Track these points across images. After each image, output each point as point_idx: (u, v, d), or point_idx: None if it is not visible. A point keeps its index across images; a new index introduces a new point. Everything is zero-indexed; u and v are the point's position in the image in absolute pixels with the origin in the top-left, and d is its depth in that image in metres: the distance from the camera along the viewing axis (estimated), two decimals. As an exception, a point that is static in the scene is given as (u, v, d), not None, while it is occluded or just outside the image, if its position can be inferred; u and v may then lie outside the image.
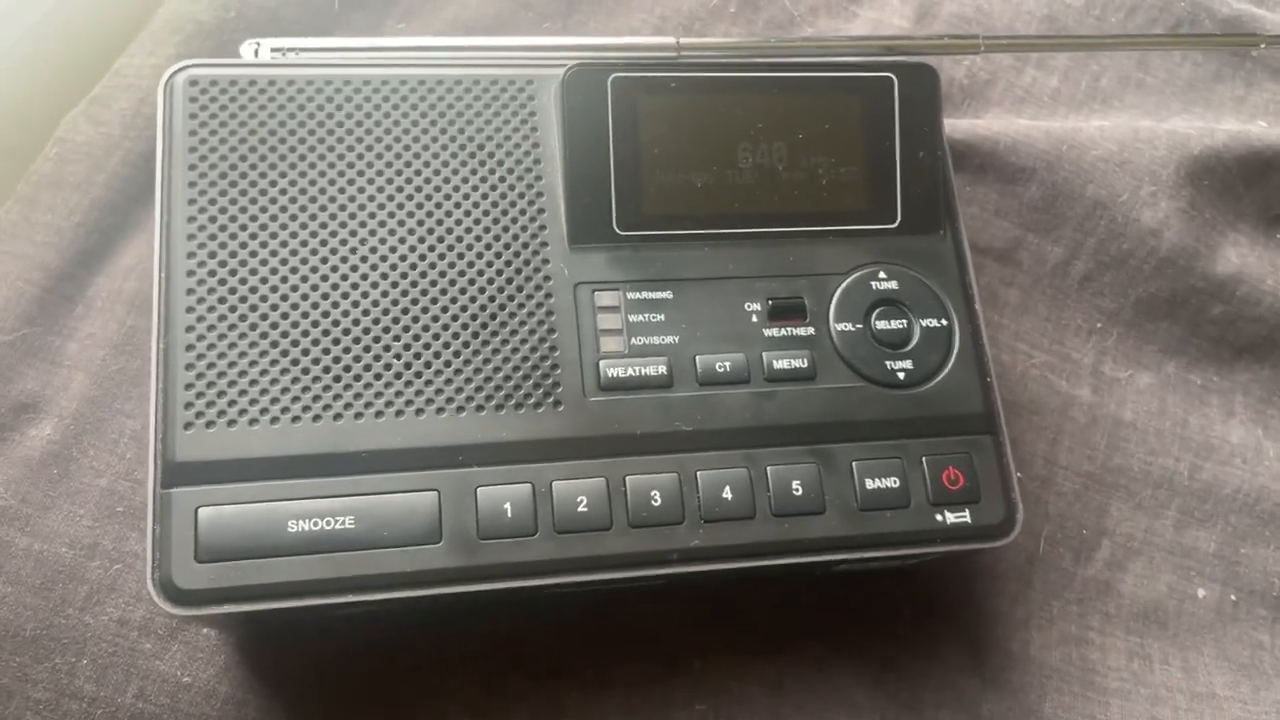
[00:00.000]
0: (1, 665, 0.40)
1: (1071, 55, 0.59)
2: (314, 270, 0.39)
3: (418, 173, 0.41)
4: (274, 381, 0.38)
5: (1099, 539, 0.50)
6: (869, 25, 0.58)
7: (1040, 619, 0.48)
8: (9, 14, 0.53)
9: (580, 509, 0.38)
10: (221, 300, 0.38)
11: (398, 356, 0.39)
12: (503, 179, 0.41)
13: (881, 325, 0.42)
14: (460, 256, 0.40)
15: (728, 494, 0.39)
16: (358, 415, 0.38)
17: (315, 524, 0.36)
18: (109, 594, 0.42)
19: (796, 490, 0.39)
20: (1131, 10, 0.60)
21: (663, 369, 0.40)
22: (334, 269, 0.39)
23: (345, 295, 0.39)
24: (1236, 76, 0.60)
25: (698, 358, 0.41)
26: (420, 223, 0.40)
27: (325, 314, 0.39)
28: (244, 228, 0.39)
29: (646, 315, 0.41)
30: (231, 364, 0.37)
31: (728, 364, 0.41)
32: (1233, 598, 0.50)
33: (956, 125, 0.54)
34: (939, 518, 0.40)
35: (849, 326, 0.42)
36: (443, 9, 0.55)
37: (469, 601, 0.38)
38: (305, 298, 0.39)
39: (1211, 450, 0.53)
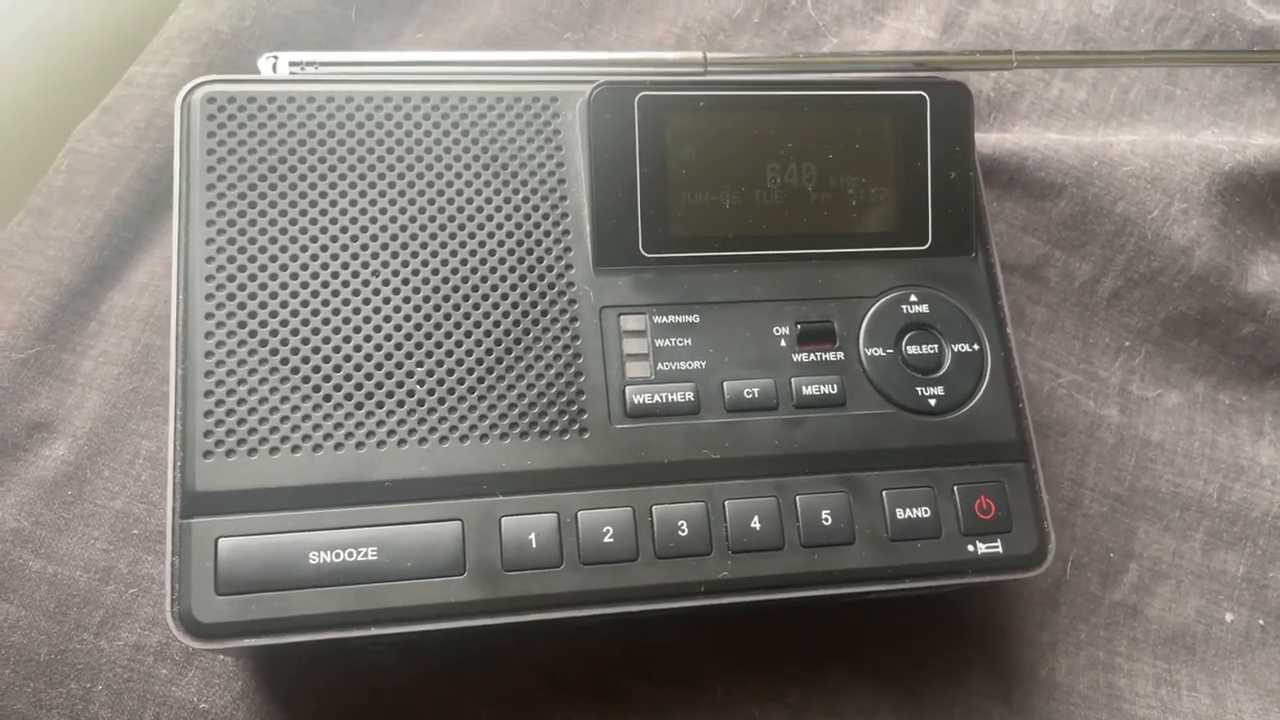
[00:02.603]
0: (16, 691, 0.40)
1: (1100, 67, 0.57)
2: (335, 294, 0.38)
3: (440, 192, 0.40)
4: (295, 409, 0.37)
5: (1126, 562, 0.49)
6: (895, 35, 0.57)
7: (1067, 644, 0.47)
8: (8, 13, 0.52)
9: (606, 539, 0.37)
10: (241, 325, 0.37)
11: (420, 383, 0.38)
12: (526, 199, 0.41)
13: (913, 350, 0.42)
14: (483, 280, 0.39)
15: (756, 524, 0.38)
16: (380, 443, 0.37)
17: (337, 555, 0.36)
18: (124, 619, 0.41)
19: (826, 520, 0.39)
20: (1161, 21, 0.59)
21: (690, 395, 0.39)
22: (355, 292, 0.38)
23: (367, 320, 0.38)
24: (1267, 89, 0.59)
25: (725, 383, 0.40)
26: (443, 244, 0.39)
27: (347, 339, 0.38)
28: (263, 250, 0.38)
29: (673, 340, 0.40)
30: (251, 391, 0.37)
31: (756, 390, 0.40)
32: (1261, 622, 0.49)
33: (984, 139, 0.53)
34: (970, 548, 0.39)
35: (879, 351, 0.41)
36: (462, 19, 0.53)
37: (491, 632, 0.38)
38: (326, 322, 0.38)
39: (1241, 471, 0.52)
